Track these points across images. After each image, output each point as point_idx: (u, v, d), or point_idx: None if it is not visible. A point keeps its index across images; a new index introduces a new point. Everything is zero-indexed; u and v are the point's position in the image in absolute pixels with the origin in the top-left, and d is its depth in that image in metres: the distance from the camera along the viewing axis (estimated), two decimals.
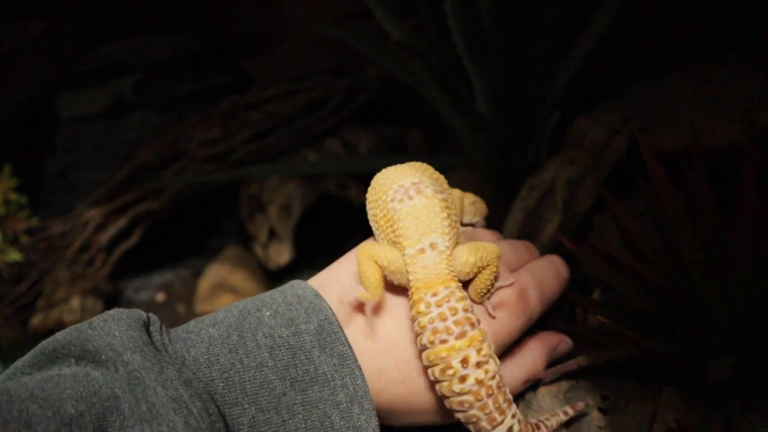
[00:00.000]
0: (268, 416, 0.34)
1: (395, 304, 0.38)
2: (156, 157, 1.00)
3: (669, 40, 0.81)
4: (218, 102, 1.06)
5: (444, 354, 0.34)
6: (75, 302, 1.00)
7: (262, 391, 0.34)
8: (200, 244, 1.17)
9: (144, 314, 0.36)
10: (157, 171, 1.02)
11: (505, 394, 0.36)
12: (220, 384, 0.34)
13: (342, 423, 0.34)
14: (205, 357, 0.34)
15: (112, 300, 1.09)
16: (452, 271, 0.37)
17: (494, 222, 0.80)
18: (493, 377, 0.35)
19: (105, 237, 1.01)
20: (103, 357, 0.31)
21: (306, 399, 0.34)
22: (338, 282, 0.40)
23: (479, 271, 0.38)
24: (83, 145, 1.20)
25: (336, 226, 1.05)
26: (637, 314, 0.45)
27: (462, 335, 0.35)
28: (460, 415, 0.35)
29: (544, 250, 0.60)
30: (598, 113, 0.74)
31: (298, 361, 0.35)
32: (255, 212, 0.97)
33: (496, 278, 0.40)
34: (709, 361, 0.38)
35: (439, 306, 0.35)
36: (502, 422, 0.35)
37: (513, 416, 0.36)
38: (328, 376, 0.35)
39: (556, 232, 0.64)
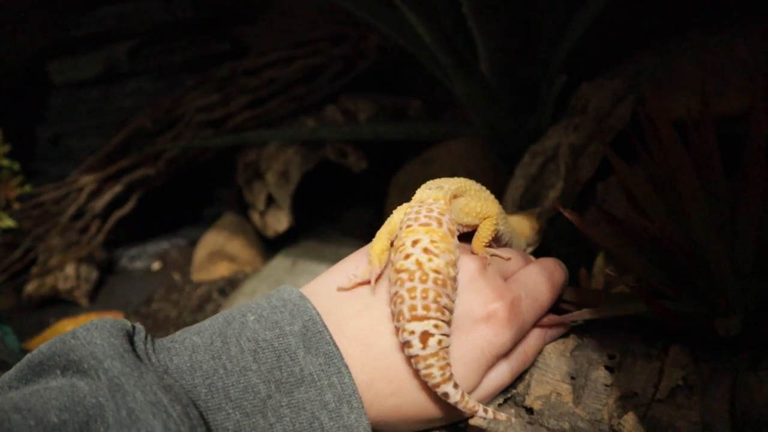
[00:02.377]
0: (253, 420, 0.33)
1: (386, 316, 0.37)
2: (152, 123, 0.99)
3: (674, 8, 0.80)
4: (214, 69, 1.04)
5: (403, 235, 0.37)
6: (70, 270, 0.99)
7: (247, 395, 0.33)
8: (196, 213, 1.16)
9: (129, 323, 0.36)
10: (152, 137, 1.00)
11: (438, 295, 0.35)
12: (203, 390, 0.33)
13: (332, 423, 0.34)
14: (188, 364, 0.34)
15: (107, 268, 1.09)
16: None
17: (498, 192, 0.79)
18: (437, 271, 0.35)
19: (100, 204, 1.00)
20: (86, 366, 0.31)
21: (293, 401, 0.34)
22: (329, 289, 0.39)
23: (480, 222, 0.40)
24: (77, 111, 1.18)
25: (334, 194, 1.04)
26: (643, 275, 0.45)
27: (425, 225, 0.37)
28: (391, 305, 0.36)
29: (547, 217, 0.60)
30: (603, 80, 0.73)
31: (282, 363, 0.34)
32: (252, 180, 0.96)
33: (495, 234, 0.41)
34: (716, 319, 0.37)
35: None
36: (422, 319, 0.34)
37: (436, 327, 0.34)
38: (315, 377, 0.34)
39: (556, 200, 0.64)
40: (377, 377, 0.36)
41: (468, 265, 0.39)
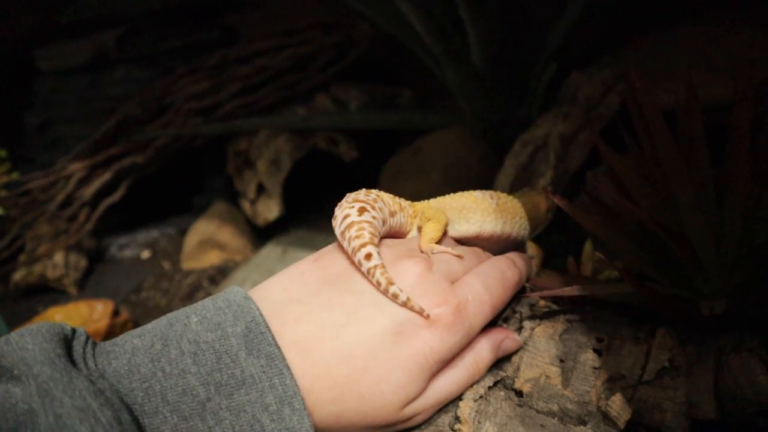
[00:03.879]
0: (191, 423, 0.33)
1: (328, 322, 0.36)
2: (141, 110, 0.98)
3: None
4: (205, 57, 1.04)
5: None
6: (58, 258, 0.99)
7: (185, 398, 0.33)
8: (186, 202, 1.16)
9: (68, 328, 0.35)
10: (142, 125, 0.99)
11: (374, 231, 0.38)
12: (140, 394, 0.33)
13: (273, 426, 0.33)
14: (126, 368, 0.33)
15: (96, 257, 1.08)
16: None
17: (488, 181, 0.80)
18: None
19: (89, 191, 0.99)
20: (17, 372, 0.31)
21: (233, 403, 0.33)
22: (275, 292, 0.38)
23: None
24: (64, 98, 1.17)
25: (325, 183, 1.04)
26: (631, 260, 0.45)
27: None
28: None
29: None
30: (593, 69, 0.73)
31: (223, 365, 0.34)
32: (243, 168, 0.96)
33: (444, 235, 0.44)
34: (701, 302, 0.38)
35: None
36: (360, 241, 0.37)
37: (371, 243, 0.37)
38: (256, 378, 0.34)
39: (546, 185, 0.64)
40: (317, 384, 0.35)
41: (411, 269, 0.38)
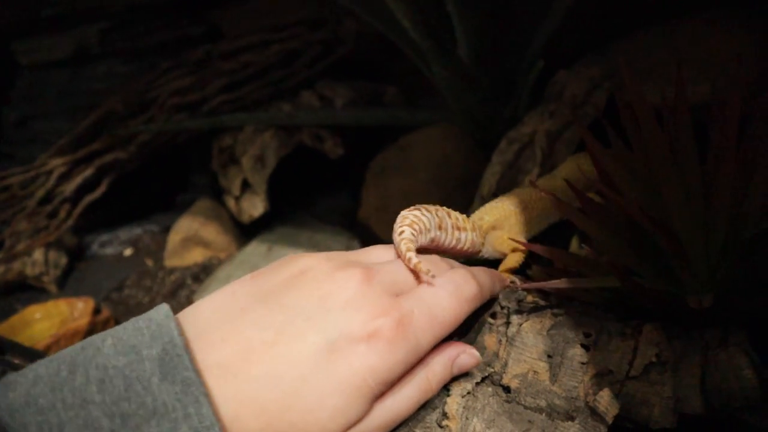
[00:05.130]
0: None
1: (257, 342, 0.33)
2: (124, 106, 0.97)
3: None
4: (190, 52, 1.02)
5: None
6: (38, 255, 0.97)
7: (86, 431, 0.29)
8: (170, 198, 1.15)
9: None
10: (125, 120, 0.98)
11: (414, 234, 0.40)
12: (34, 429, 0.29)
13: None
14: (23, 400, 0.30)
15: (77, 254, 1.06)
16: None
17: (474, 178, 0.80)
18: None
19: (69, 187, 0.97)
20: None
21: None
22: (207, 309, 0.35)
23: None
24: (44, 93, 1.15)
25: (311, 180, 1.03)
26: (617, 255, 0.45)
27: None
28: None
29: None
30: (579, 67, 0.74)
31: (132, 393, 0.30)
32: (227, 164, 0.95)
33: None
34: (689, 296, 0.38)
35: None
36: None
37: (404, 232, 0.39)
38: (169, 407, 0.30)
39: (531, 178, 0.64)
40: (243, 411, 0.31)
41: (348, 281, 0.35)
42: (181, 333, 0.32)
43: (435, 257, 0.42)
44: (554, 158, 0.70)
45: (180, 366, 0.30)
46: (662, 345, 0.39)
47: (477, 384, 0.40)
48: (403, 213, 0.41)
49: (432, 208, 0.43)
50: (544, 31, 0.70)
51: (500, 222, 0.50)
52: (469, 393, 0.39)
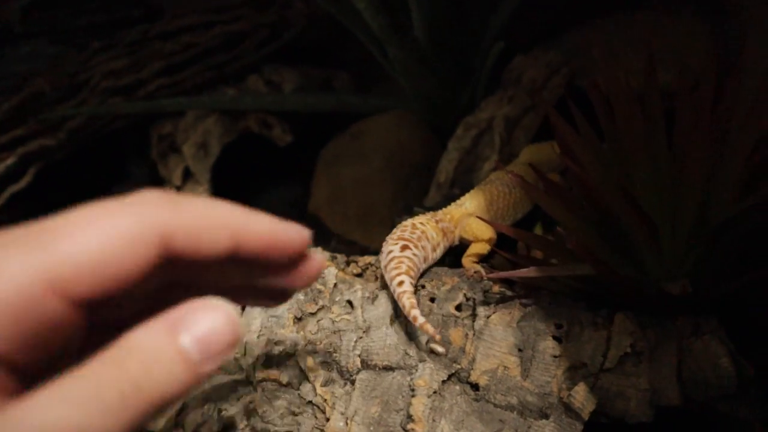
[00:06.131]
0: None
1: None
2: (51, 88, 0.89)
3: None
4: (125, 32, 0.95)
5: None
6: None
7: None
8: (104, 190, 1.07)
9: None
10: (52, 105, 0.90)
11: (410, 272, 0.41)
12: None
13: None
14: None
15: None
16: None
17: (430, 166, 0.77)
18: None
19: None
20: None
21: None
22: None
23: None
24: None
25: (257, 169, 0.98)
26: (586, 242, 0.43)
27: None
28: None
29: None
30: (537, 52, 0.72)
31: None
32: (167, 153, 0.88)
33: None
34: (662, 283, 0.36)
35: None
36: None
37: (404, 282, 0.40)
38: None
39: (496, 161, 0.62)
40: None
41: None
42: None
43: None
44: (512, 145, 0.68)
45: None
46: (636, 334, 0.37)
47: (443, 382, 0.37)
48: (395, 253, 0.42)
49: (414, 237, 0.44)
50: (501, 12, 0.68)
51: (479, 210, 0.50)
52: (435, 392, 0.36)
